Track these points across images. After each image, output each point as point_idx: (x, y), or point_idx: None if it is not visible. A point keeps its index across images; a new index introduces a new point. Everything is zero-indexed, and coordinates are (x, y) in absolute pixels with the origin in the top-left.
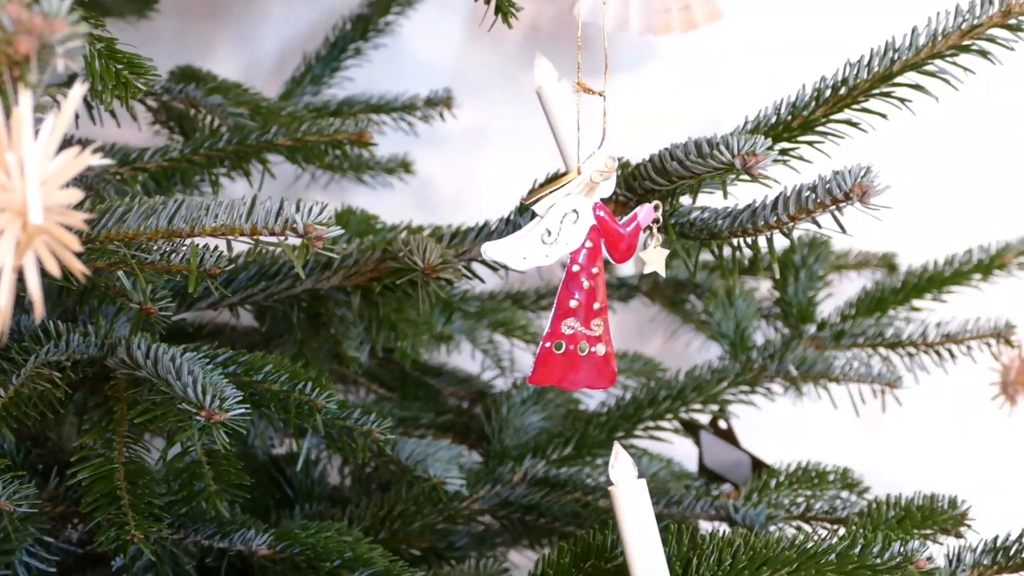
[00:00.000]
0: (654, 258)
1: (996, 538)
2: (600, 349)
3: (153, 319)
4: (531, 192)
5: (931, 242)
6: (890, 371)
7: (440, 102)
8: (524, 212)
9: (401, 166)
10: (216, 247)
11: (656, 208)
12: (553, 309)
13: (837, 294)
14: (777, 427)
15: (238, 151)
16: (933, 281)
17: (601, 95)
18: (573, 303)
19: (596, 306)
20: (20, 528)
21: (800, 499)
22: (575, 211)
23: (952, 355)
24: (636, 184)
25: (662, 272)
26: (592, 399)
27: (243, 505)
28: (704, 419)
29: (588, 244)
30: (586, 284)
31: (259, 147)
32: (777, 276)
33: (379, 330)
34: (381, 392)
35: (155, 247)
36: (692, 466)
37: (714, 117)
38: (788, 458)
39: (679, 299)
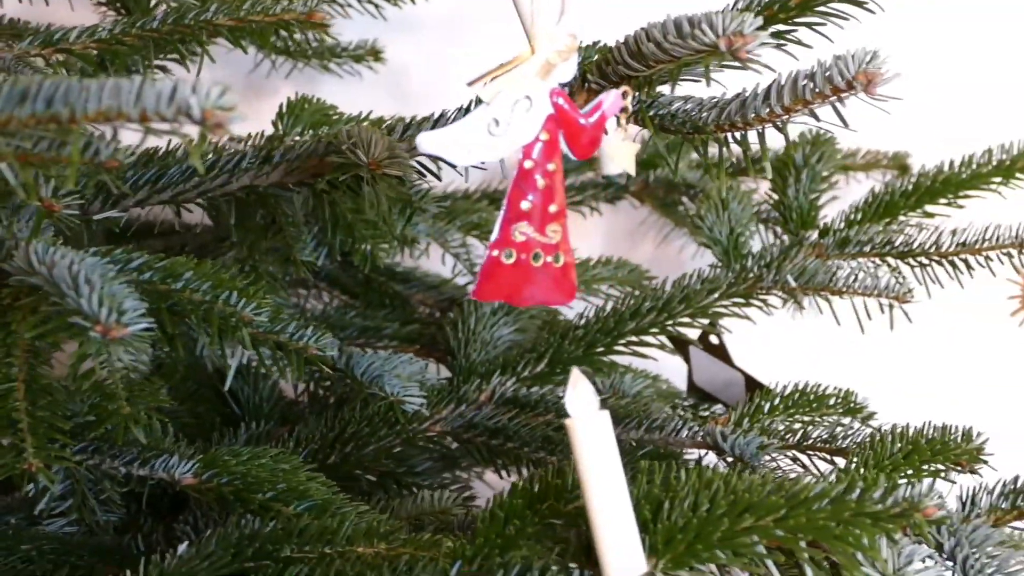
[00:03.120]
0: (621, 154)
1: (1016, 478)
2: (558, 259)
3: (57, 217)
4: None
5: (948, 141)
6: (900, 283)
7: None
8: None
9: (370, 53)
10: (115, 135)
11: (624, 95)
12: (502, 212)
13: (844, 198)
14: (774, 344)
15: (174, 32)
16: (948, 184)
17: None
18: (525, 205)
19: (552, 209)
20: None
21: (797, 426)
22: (528, 98)
23: (969, 266)
24: (610, 70)
25: (631, 170)
26: (571, 309)
27: (185, 424)
28: (694, 334)
29: (544, 136)
30: (541, 183)
31: (197, 27)
32: (769, 176)
33: (335, 232)
34: (343, 299)
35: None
36: (681, 384)
37: None
38: (785, 379)
39: (671, 201)
